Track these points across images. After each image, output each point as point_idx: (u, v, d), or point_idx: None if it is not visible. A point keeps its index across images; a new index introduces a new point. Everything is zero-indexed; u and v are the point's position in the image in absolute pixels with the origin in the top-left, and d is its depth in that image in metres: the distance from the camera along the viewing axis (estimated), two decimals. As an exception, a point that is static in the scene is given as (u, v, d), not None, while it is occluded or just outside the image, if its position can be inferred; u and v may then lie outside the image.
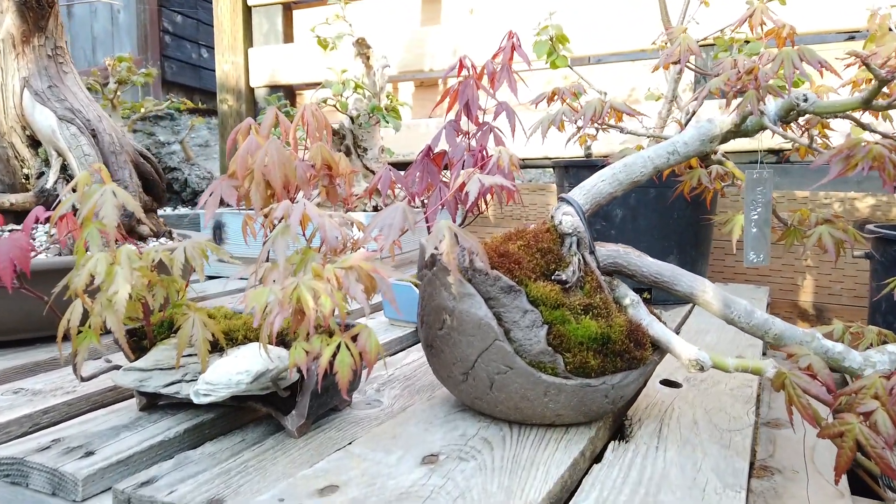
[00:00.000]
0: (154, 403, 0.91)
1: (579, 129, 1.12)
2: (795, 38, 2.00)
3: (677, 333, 1.40)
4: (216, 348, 0.88)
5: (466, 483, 0.69)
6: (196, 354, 0.84)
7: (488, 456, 0.76)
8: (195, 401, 0.77)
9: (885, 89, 0.96)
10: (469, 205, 0.99)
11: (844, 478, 1.17)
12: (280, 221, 0.74)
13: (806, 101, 0.86)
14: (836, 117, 0.94)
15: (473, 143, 1.16)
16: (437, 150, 1.17)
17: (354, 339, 0.68)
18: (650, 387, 1.05)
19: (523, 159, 2.42)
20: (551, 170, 2.62)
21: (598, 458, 0.80)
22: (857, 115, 0.98)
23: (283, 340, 0.89)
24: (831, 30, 1.90)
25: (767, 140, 1.97)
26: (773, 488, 1.15)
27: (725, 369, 0.81)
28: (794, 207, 1.96)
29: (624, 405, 0.90)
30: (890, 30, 1.39)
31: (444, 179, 1.16)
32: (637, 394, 1.02)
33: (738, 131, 0.90)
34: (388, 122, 1.74)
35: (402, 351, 1.28)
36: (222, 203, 0.87)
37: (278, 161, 0.81)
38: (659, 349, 0.85)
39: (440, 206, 1.01)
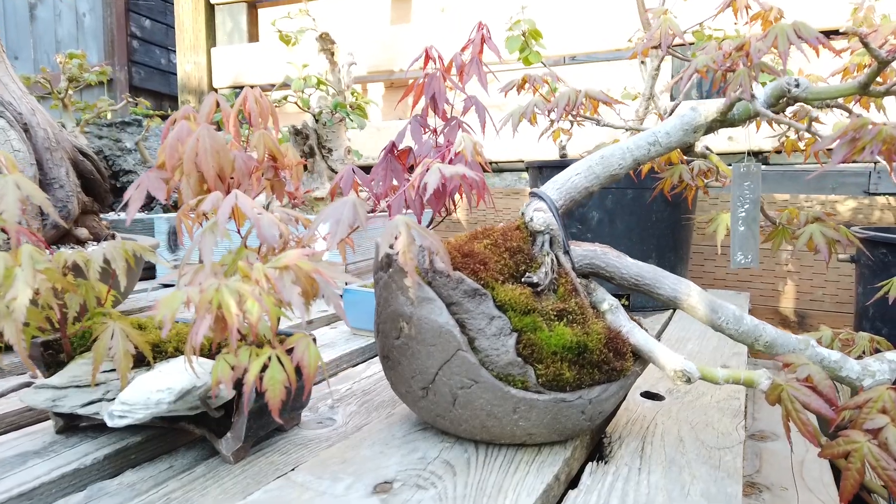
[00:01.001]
0: (73, 425, 0.80)
1: (552, 122, 1.04)
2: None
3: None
4: (143, 362, 0.77)
5: (423, 516, 0.59)
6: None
7: (450, 483, 0.66)
8: (109, 423, 0.66)
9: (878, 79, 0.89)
10: (436, 206, 0.90)
11: (836, 494, 1.10)
12: (209, 216, 0.64)
13: (798, 86, 0.79)
14: (830, 107, 0.87)
15: (441, 140, 1.08)
16: (402, 146, 1.08)
17: (290, 351, 0.58)
18: (630, 400, 0.97)
19: (497, 162, 2.34)
20: (525, 173, 2.54)
21: (574, 482, 0.71)
22: (849, 106, 0.91)
23: (220, 352, 0.79)
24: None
25: (746, 142, 1.92)
26: (763, 508, 1.07)
27: (715, 381, 0.73)
28: (774, 210, 1.90)
29: (602, 421, 0.82)
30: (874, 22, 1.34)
31: (409, 179, 1.07)
32: (617, 408, 0.93)
33: (724, 120, 0.83)
34: (352, 120, 1.65)
35: (363, 363, 1.18)
36: (176, 208, 0.77)
37: (211, 149, 0.71)
38: (640, 359, 0.77)
39: (404, 208, 0.92)
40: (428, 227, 0.92)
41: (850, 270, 1.82)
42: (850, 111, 0.87)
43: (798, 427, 0.65)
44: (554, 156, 2.05)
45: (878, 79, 0.84)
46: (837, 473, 1.30)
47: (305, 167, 1.86)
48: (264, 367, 0.55)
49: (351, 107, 1.67)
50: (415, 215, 0.97)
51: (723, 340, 1.34)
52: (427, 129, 1.09)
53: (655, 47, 0.88)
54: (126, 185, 2.56)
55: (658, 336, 1.37)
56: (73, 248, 1.26)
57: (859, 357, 0.93)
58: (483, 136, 1.05)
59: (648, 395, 0.99)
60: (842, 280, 1.83)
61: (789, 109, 1.00)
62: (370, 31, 2.49)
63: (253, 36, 2.77)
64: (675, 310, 1.63)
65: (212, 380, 0.55)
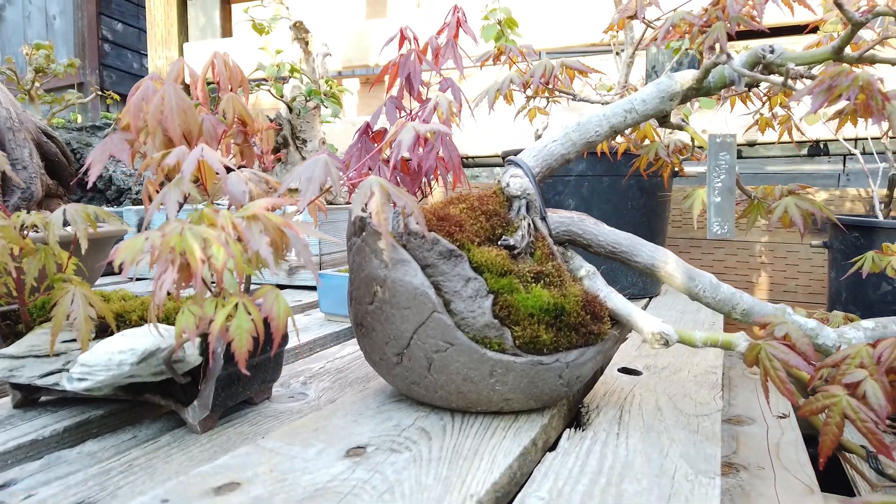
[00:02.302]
0: (33, 399, 0.77)
1: (529, 98, 1.03)
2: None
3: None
4: (106, 332, 0.74)
5: (397, 476, 0.57)
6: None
7: (425, 447, 0.65)
8: (68, 387, 0.63)
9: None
10: (412, 187, 0.89)
11: (812, 472, 1.10)
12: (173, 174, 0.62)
13: (772, 52, 0.79)
14: (803, 77, 0.87)
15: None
16: (377, 128, 1.07)
17: (259, 303, 0.56)
18: (608, 374, 0.96)
19: (474, 157, 2.33)
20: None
21: (552, 449, 0.69)
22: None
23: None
24: (785, 23, 1.87)
25: (725, 130, 1.93)
26: (740, 486, 1.06)
27: (693, 343, 0.72)
28: (792, 189, 1.91)
29: (580, 389, 0.81)
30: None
31: (384, 158, 1.05)
32: (595, 378, 0.92)
33: (700, 87, 0.82)
34: (326, 107, 1.63)
35: (337, 345, 1.16)
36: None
37: (178, 107, 0.69)
38: (618, 324, 0.76)
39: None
40: None
41: (822, 262, 1.84)
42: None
43: (776, 385, 0.64)
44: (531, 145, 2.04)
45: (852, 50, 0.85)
46: (813, 454, 1.30)
47: (279, 158, 1.83)
48: (230, 320, 0.53)
49: (325, 94, 1.65)
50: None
51: (698, 324, 1.34)
52: (403, 111, 1.08)
53: (631, 17, 0.88)
54: (96, 180, 2.51)
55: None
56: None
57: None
58: (459, 119, 1.03)
59: (626, 370, 0.98)
60: (815, 271, 1.85)
61: (763, 86, 1.01)
62: (345, 25, 2.47)
63: (226, 31, 2.74)
64: (651, 297, 1.63)
65: (175, 332, 0.52)
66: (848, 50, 0.76)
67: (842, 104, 0.59)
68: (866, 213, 1.72)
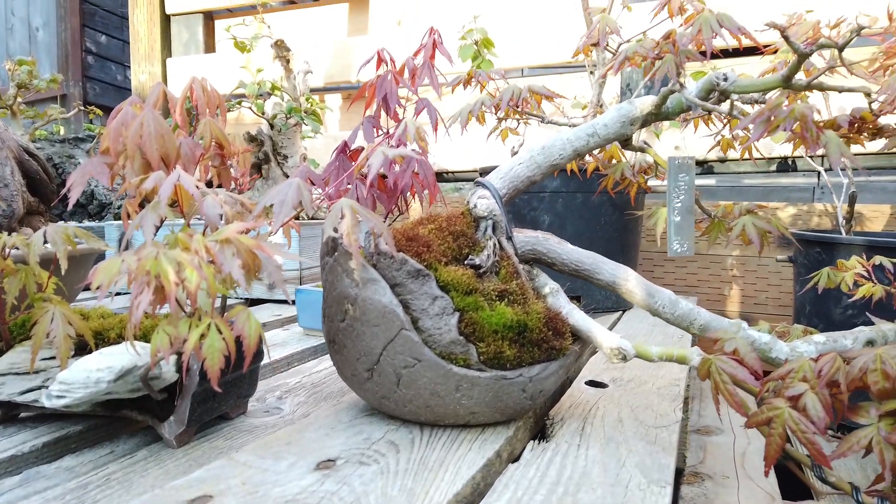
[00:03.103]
0: (13, 415, 0.78)
1: (500, 120, 1.07)
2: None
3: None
4: (85, 350, 0.76)
5: (364, 488, 0.60)
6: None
7: (392, 459, 0.67)
8: (47, 404, 0.65)
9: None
10: (388, 204, 0.92)
11: (775, 480, 1.14)
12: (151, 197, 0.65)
13: (726, 80, 0.83)
14: (756, 101, 0.92)
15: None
16: (354, 146, 1.10)
17: (231, 323, 0.58)
18: (575, 387, 0.99)
19: (453, 172, 2.37)
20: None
21: (516, 461, 0.73)
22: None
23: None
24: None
25: (691, 151, 1.98)
26: (704, 494, 1.10)
27: (649, 358, 0.76)
28: (750, 209, 1.96)
29: (544, 402, 0.84)
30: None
31: (361, 176, 1.08)
32: (560, 392, 0.96)
33: (658, 113, 0.86)
34: (307, 124, 1.66)
35: (314, 360, 1.18)
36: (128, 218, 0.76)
37: (156, 132, 0.72)
38: (580, 339, 0.79)
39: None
40: None
41: (790, 275, 1.89)
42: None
43: (725, 398, 0.68)
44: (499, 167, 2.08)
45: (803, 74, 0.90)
46: (778, 464, 1.34)
47: (260, 173, 1.86)
48: (203, 339, 0.56)
49: (306, 112, 1.68)
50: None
51: (668, 337, 1.38)
52: (380, 130, 1.11)
53: (594, 45, 0.92)
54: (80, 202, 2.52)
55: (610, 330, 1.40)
56: (16, 247, 1.23)
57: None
58: (435, 139, 1.07)
59: (593, 383, 1.01)
60: (784, 284, 1.90)
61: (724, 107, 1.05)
62: (327, 42, 2.51)
63: (209, 47, 2.76)
64: (624, 311, 1.67)
65: (150, 350, 0.55)
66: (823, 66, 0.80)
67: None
68: (832, 228, 1.78)
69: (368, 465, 0.66)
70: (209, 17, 2.76)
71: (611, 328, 1.47)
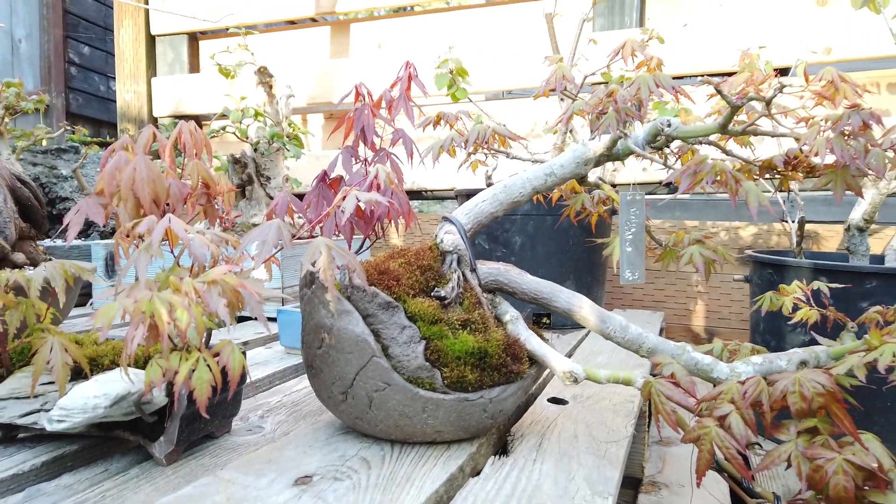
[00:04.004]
0: (12, 436, 0.84)
1: (469, 154, 1.14)
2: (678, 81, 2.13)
3: (571, 356, 1.44)
4: (80, 375, 0.83)
5: (337, 502, 0.67)
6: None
7: (364, 475, 0.74)
8: (48, 428, 0.72)
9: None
10: (366, 230, 0.99)
11: (726, 488, 1.22)
12: (143, 237, 0.72)
13: (670, 126, 0.92)
14: (700, 143, 1.00)
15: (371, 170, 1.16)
16: (334, 175, 1.17)
17: (217, 356, 0.65)
18: (538, 404, 1.07)
19: (432, 190, 2.45)
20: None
21: (478, 475, 0.80)
22: (722, 143, 1.05)
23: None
24: (708, 71, 2.04)
25: (660, 174, 2.08)
26: (659, 502, 1.18)
27: (597, 380, 0.83)
28: (698, 238, 2.06)
29: (505, 421, 0.91)
30: (759, 68, 1.51)
31: (362, 204, 1.15)
32: (521, 410, 1.03)
33: (610, 154, 0.95)
34: (288, 149, 1.73)
35: (295, 378, 1.25)
36: (112, 234, 0.83)
37: (147, 177, 0.79)
38: (536, 363, 0.87)
39: (335, 233, 1.00)
40: (359, 251, 1.00)
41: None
42: (721, 147, 1.01)
43: (663, 416, 0.76)
44: (482, 185, 2.17)
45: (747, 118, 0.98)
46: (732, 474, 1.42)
47: (244, 194, 1.92)
48: (193, 371, 0.63)
49: (288, 137, 1.75)
50: (345, 240, 1.05)
51: (630, 355, 1.46)
52: (358, 160, 1.18)
53: (552, 90, 1.00)
54: (63, 212, 2.56)
55: (573, 350, 1.49)
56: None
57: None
58: (411, 166, 1.14)
59: (554, 400, 1.09)
60: (745, 300, 2.00)
61: (675, 145, 1.14)
62: (310, 64, 2.58)
63: (194, 67, 2.82)
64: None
65: (145, 381, 0.62)
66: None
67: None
68: (785, 249, 1.88)
69: (342, 481, 0.73)
70: (193, 38, 2.83)
71: (578, 344, 1.55)
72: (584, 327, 1.76)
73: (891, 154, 0.86)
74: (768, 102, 0.83)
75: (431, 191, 2.45)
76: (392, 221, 0.98)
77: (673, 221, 2.07)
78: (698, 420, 0.74)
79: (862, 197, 0.92)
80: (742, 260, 1.92)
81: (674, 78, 0.93)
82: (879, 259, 1.62)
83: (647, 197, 2.13)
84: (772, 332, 1.48)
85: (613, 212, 1.79)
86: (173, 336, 0.61)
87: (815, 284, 1.11)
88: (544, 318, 1.70)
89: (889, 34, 1.75)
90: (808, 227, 1.98)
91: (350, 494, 0.69)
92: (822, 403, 0.73)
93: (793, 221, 1.60)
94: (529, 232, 1.68)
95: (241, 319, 1.78)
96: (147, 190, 0.78)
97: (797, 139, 0.95)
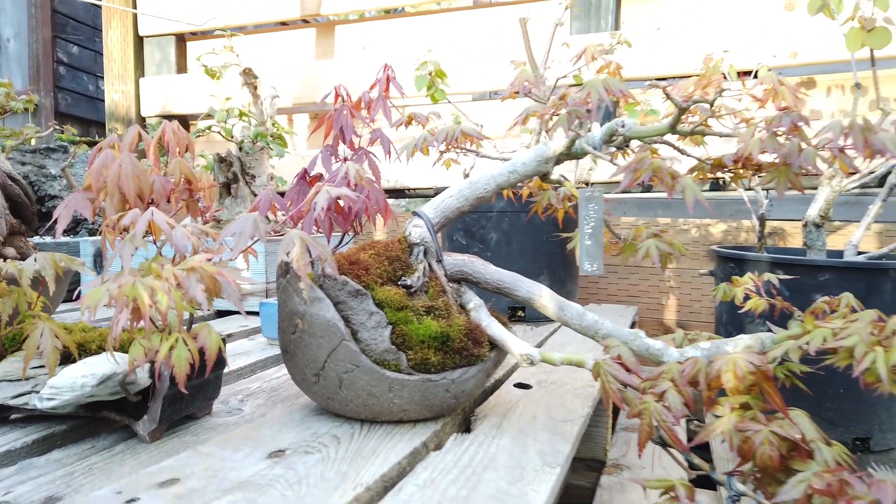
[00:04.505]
0: (4, 417, 0.90)
1: (441, 153, 1.21)
2: (636, 83, 2.21)
3: (541, 346, 1.50)
4: (69, 360, 0.88)
5: (306, 471, 0.73)
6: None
7: (334, 449, 0.81)
8: (39, 406, 0.77)
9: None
10: (345, 226, 1.04)
11: (682, 473, 1.28)
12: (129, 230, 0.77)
13: (624, 126, 0.98)
14: (655, 142, 1.07)
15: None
16: (314, 173, 1.22)
17: (196, 337, 0.71)
18: (504, 388, 1.13)
19: (413, 188, 2.51)
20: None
21: (441, 449, 0.86)
22: (680, 142, 1.11)
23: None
24: (680, 73, 2.11)
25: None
26: (620, 483, 1.25)
27: (552, 363, 0.90)
28: (655, 233, 2.13)
29: (468, 401, 0.97)
30: (723, 73, 1.58)
31: (332, 199, 1.21)
32: (487, 394, 1.09)
33: (569, 153, 1.01)
34: (272, 148, 1.79)
35: (275, 367, 1.30)
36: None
37: (132, 173, 0.84)
38: (497, 348, 0.93)
39: (317, 228, 1.06)
40: (339, 246, 1.06)
41: (722, 285, 2.05)
42: (676, 147, 1.08)
43: (610, 394, 0.82)
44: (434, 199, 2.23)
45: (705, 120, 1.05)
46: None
47: (229, 192, 1.97)
48: (172, 350, 0.69)
49: (272, 136, 1.81)
50: (324, 235, 1.11)
51: (598, 345, 1.53)
52: (338, 158, 1.24)
53: (516, 93, 1.06)
54: (52, 210, 2.61)
55: (545, 340, 1.55)
56: (0, 266, 1.34)
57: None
58: (388, 163, 1.20)
59: (520, 385, 1.15)
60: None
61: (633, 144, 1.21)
62: (296, 65, 2.64)
63: (181, 67, 2.87)
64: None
65: (128, 360, 0.67)
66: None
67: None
68: (749, 245, 1.95)
69: (312, 454, 0.79)
70: (181, 39, 2.87)
71: (550, 335, 1.62)
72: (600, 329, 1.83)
73: (826, 154, 0.93)
74: (711, 104, 0.90)
75: (414, 189, 2.51)
76: (370, 217, 1.04)
77: (647, 219, 2.14)
78: (641, 397, 0.80)
79: (803, 193, 0.98)
80: (711, 255, 1.99)
81: (659, 79, 1.00)
82: (840, 254, 1.70)
83: (623, 196, 2.20)
84: (733, 324, 1.55)
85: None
86: (155, 318, 0.67)
87: (766, 276, 1.18)
88: (519, 311, 1.77)
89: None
90: (777, 223, 2.06)
91: (319, 465, 0.75)
92: (753, 381, 0.80)
93: (756, 218, 1.67)
94: (504, 228, 1.74)
95: (226, 314, 1.83)
96: (132, 185, 0.84)
97: (742, 140, 1.01)
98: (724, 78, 1.24)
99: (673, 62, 2.13)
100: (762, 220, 1.56)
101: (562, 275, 1.79)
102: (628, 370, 0.83)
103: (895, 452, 1.45)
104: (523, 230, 1.74)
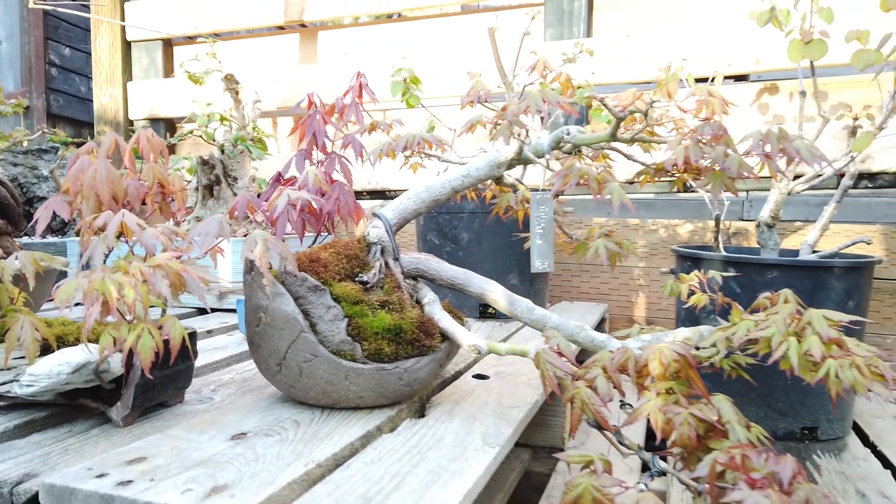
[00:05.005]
0: (-12, 406, 0.96)
1: (407, 157, 1.28)
2: (607, 88, 2.28)
3: (507, 340, 1.57)
4: (48, 351, 0.95)
5: (264, 451, 0.80)
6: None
7: (292, 432, 0.87)
8: (18, 392, 0.84)
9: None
10: (316, 226, 1.11)
11: (639, 461, 1.36)
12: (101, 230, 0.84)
13: (569, 134, 1.05)
14: (603, 148, 1.14)
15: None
16: (287, 176, 1.29)
17: (161, 328, 0.78)
18: (463, 379, 1.20)
19: (394, 190, 2.58)
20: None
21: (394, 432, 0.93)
22: (628, 148, 1.19)
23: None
24: (649, 79, 2.19)
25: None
26: (617, 484, 1.32)
27: (498, 353, 0.97)
28: (626, 234, 2.21)
29: (421, 389, 1.04)
30: (680, 80, 1.65)
31: (292, 202, 1.28)
32: (446, 384, 1.16)
33: (519, 159, 1.08)
34: (251, 152, 1.85)
35: (249, 360, 1.37)
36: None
37: (106, 178, 0.91)
38: (449, 340, 1.00)
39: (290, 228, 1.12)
40: (312, 244, 1.13)
41: (689, 283, 2.13)
42: (623, 153, 1.15)
43: (547, 380, 0.89)
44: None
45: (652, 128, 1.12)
46: (648, 443, 1.58)
47: (212, 193, 2.04)
48: (138, 339, 0.75)
49: (252, 140, 1.87)
50: (297, 235, 1.17)
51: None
52: (312, 162, 1.31)
53: (472, 102, 1.14)
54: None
55: (511, 335, 1.62)
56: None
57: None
58: (361, 167, 1.27)
59: (479, 376, 1.22)
60: (683, 291, 2.14)
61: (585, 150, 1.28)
62: (280, 70, 2.71)
63: (168, 71, 2.94)
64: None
65: (99, 348, 0.74)
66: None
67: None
68: (706, 245, 2.02)
69: (272, 437, 0.85)
70: (168, 43, 2.94)
71: (516, 331, 1.69)
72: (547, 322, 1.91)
73: (754, 160, 1.00)
74: (645, 114, 0.97)
75: (394, 190, 2.57)
76: (342, 218, 1.11)
77: (617, 219, 2.21)
78: (574, 383, 0.87)
79: (737, 195, 1.05)
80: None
81: (630, 84, 1.07)
82: (795, 253, 1.77)
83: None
84: (690, 320, 1.62)
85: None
86: (123, 311, 0.73)
87: (711, 273, 1.25)
88: (490, 308, 1.84)
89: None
90: (742, 224, 2.14)
91: (276, 446, 0.82)
92: (677, 369, 0.87)
93: (713, 219, 1.74)
94: (475, 228, 1.81)
95: (213, 311, 1.90)
96: (106, 189, 0.91)
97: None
98: (683, 85, 1.32)
99: (642, 68, 2.20)
100: (717, 221, 1.63)
101: (529, 273, 1.86)
102: (564, 358, 0.90)
103: (842, 441, 1.52)
104: (493, 230, 1.81)
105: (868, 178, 2.07)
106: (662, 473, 0.87)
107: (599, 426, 0.93)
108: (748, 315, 0.96)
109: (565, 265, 2.28)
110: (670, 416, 0.84)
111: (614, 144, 1.14)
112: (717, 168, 0.98)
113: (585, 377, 0.87)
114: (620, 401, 1.77)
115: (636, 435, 1.53)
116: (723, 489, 0.73)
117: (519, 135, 0.98)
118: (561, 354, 0.91)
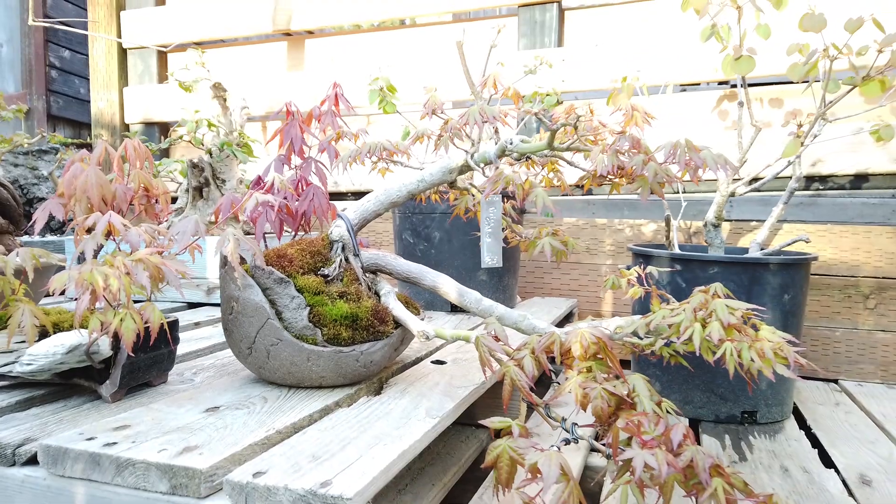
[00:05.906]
0: (-8, 385, 1.09)
1: (374, 163, 1.40)
2: (572, 95, 2.40)
3: (473, 330, 1.69)
4: (46, 337, 1.07)
5: (233, 420, 0.92)
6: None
7: (260, 406, 1.00)
8: (19, 370, 0.97)
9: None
10: (294, 226, 1.23)
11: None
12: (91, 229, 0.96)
13: (512, 143, 1.18)
14: (547, 157, 1.26)
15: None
16: (267, 178, 1.41)
17: (142, 312, 0.90)
18: (422, 364, 1.32)
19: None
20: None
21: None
22: (569, 156, 1.31)
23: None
24: (605, 88, 2.31)
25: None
26: (531, 447, 1.44)
27: (445, 338, 1.09)
28: (594, 234, 2.33)
29: (379, 370, 1.17)
30: (633, 88, 1.78)
31: (270, 204, 1.40)
32: (405, 368, 1.29)
33: (469, 166, 1.21)
34: (237, 156, 1.98)
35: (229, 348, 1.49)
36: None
37: (97, 183, 1.04)
38: (402, 327, 1.13)
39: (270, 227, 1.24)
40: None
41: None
42: (567, 160, 1.27)
43: (483, 361, 1.01)
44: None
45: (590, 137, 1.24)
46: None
47: (202, 194, 2.16)
48: (122, 322, 0.88)
49: (238, 145, 2.00)
50: (275, 234, 1.29)
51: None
52: (291, 166, 1.43)
53: (428, 114, 1.26)
54: (40, 212, 2.80)
55: (476, 327, 1.74)
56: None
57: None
58: (336, 171, 1.39)
59: (437, 361, 1.35)
60: (647, 287, 2.26)
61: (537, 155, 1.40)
62: (269, 77, 2.83)
63: (162, 77, 3.06)
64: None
65: (88, 330, 0.86)
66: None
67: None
68: (660, 243, 2.15)
69: (241, 410, 0.98)
70: (162, 50, 3.06)
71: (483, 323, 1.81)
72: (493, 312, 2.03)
73: (675, 168, 1.12)
74: (575, 127, 1.09)
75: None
76: (318, 218, 1.23)
77: (586, 219, 2.33)
78: (505, 363, 1.00)
79: (664, 199, 1.17)
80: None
81: (598, 90, 1.19)
82: (745, 251, 1.89)
83: (593, 198, 2.38)
84: (644, 310, 1.74)
85: (523, 210, 2.05)
86: (109, 298, 0.86)
87: (649, 269, 1.38)
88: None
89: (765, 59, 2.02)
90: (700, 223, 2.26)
91: (244, 416, 0.94)
92: (596, 350, 0.99)
93: (673, 219, 1.87)
94: (447, 228, 1.94)
95: (195, 305, 2.02)
96: (96, 193, 1.03)
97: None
98: (637, 93, 1.44)
99: (609, 76, 2.33)
100: (668, 221, 1.76)
101: (499, 270, 1.99)
102: (501, 342, 1.03)
103: (779, 425, 1.65)
104: (463, 229, 1.93)
105: (819, 181, 2.20)
106: (573, 440, 1.00)
107: (529, 402, 1.06)
108: (665, 305, 1.09)
109: (538, 263, 2.41)
110: (588, 390, 0.96)
111: (561, 153, 1.26)
112: (642, 174, 1.10)
113: (515, 357, 0.99)
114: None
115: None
116: (623, 451, 0.86)
117: (475, 142, 1.10)
118: (497, 339, 1.04)
